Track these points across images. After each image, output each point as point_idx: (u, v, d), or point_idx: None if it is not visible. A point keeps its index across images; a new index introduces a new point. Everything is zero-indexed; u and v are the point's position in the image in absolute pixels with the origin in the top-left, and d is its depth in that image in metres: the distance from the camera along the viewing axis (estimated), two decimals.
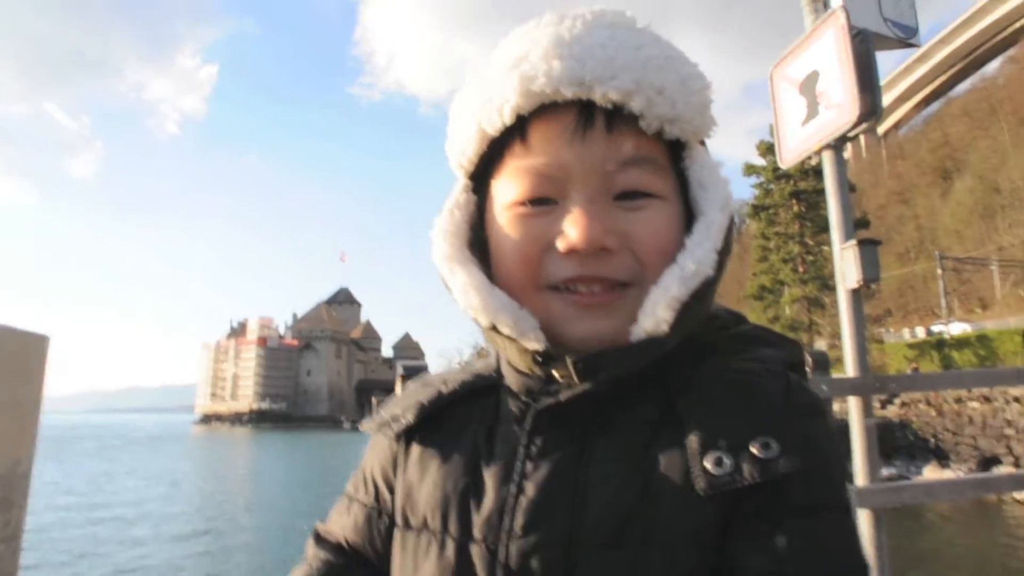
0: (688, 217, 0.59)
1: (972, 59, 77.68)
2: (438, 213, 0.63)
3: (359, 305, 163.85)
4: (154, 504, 20.88)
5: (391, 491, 0.67)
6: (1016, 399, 22.15)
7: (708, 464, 0.49)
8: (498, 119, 0.56)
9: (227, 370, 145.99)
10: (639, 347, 0.54)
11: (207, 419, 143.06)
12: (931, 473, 20.71)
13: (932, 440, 22.79)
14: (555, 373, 0.58)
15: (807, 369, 0.62)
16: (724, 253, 0.56)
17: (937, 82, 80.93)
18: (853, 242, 3.36)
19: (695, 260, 0.54)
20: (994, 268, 45.13)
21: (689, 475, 0.50)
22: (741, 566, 0.48)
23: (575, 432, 0.57)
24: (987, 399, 23.22)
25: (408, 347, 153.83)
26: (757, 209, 38.42)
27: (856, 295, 3.42)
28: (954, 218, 61.14)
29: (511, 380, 0.63)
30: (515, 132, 0.57)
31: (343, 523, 0.70)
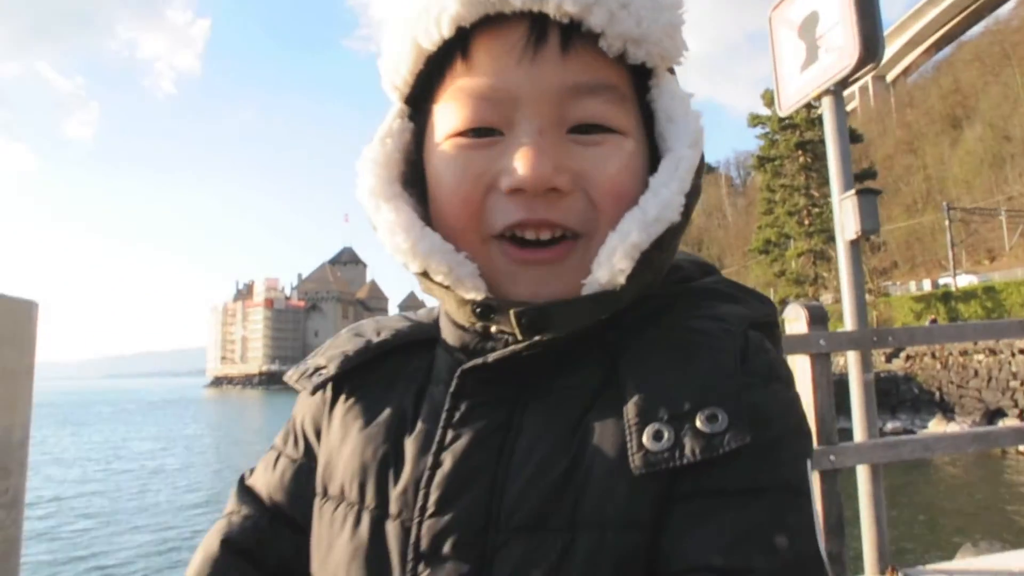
0: (653, 156, 0.53)
1: (984, 1, 75.35)
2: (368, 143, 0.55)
3: (364, 265, 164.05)
4: (169, 469, 21.31)
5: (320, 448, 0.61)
6: (1022, 351, 22.12)
7: (646, 438, 0.44)
8: (436, 31, 0.49)
9: (235, 332, 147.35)
10: (591, 300, 0.49)
11: (218, 382, 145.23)
12: (936, 426, 20.83)
13: (937, 393, 22.88)
14: (494, 329, 0.52)
15: (776, 330, 0.55)
16: (692, 196, 0.50)
17: (949, 25, 78.66)
18: (852, 192, 3.23)
19: (659, 203, 0.48)
20: (1003, 218, 44.57)
21: (625, 449, 0.45)
22: (676, 553, 0.43)
23: (505, 397, 0.51)
24: (992, 352, 23.19)
25: (414, 306, 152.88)
26: (762, 161, 37.98)
27: (855, 246, 3.31)
28: (963, 167, 60.18)
29: (447, 333, 0.57)
30: (456, 48, 0.50)
31: (268, 479, 0.63)
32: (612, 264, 0.47)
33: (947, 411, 22.10)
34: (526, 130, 0.48)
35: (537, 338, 0.49)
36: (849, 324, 3.22)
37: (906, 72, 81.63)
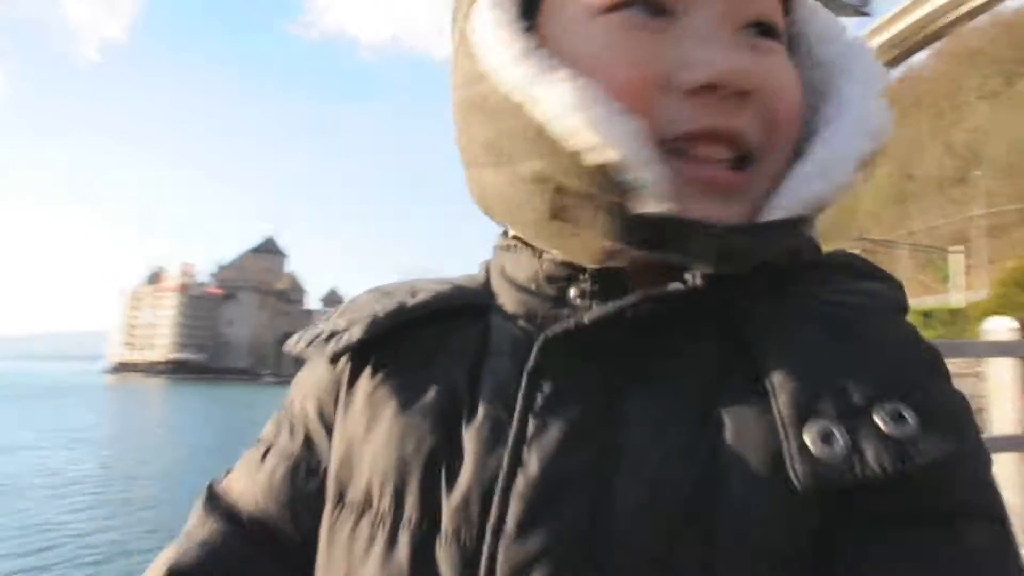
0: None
1: (904, 49, 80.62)
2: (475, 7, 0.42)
3: (285, 256, 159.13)
4: (56, 466, 19.37)
5: (330, 438, 0.47)
6: None
7: (809, 440, 0.33)
8: None
9: (143, 318, 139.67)
10: (782, 226, 0.39)
11: (120, 368, 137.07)
12: None
13: None
14: (572, 292, 0.42)
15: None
16: (878, 138, 0.41)
17: None
18: None
19: (845, 134, 0.40)
20: (904, 251, 47.60)
21: (778, 453, 0.34)
22: None
23: (598, 378, 0.39)
24: None
25: (335, 302, 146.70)
26: None
27: None
28: (873, 201, 64.06)
29: (507, 298, 0.46)
30: None
31: (251, 483, 0.49)
32: (830, 177, 0.39)
33: None
34: (708, 14, 0.38)
35: (650, 293, 0.39)
36: None
37: None
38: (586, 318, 0.39)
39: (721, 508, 0.34)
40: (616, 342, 0.39)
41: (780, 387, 0.35)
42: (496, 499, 0.36)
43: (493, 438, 0.39)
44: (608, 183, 0.36)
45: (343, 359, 0.46)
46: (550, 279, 0.42)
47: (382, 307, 0.46)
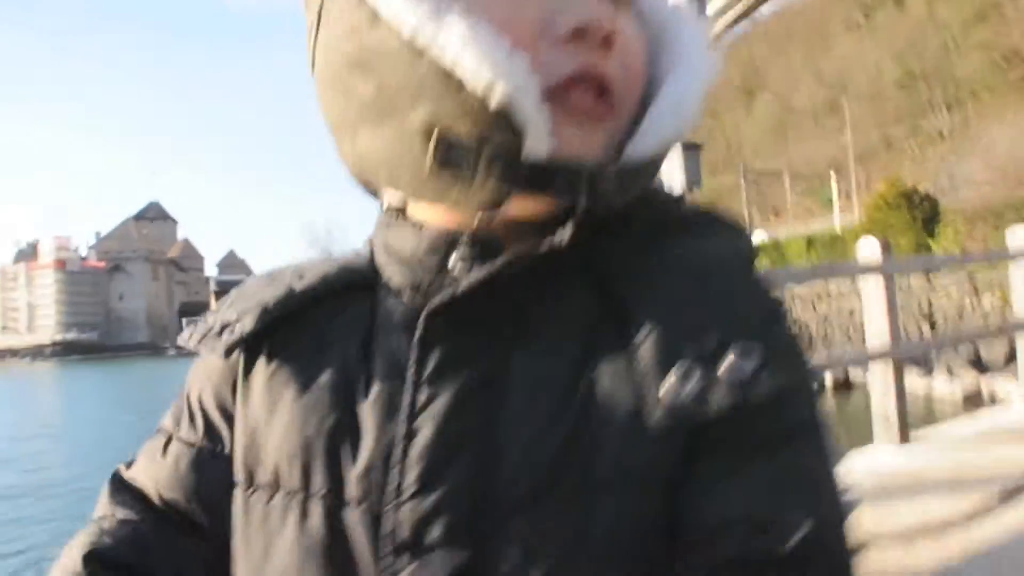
0: None
1: None
2: None
3: (174, 221, 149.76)
4: None
5: (230, 425, 0.49)
6: (799, 297, 25.73)
7: (669, 383, 0.38)
8: None
9: (19, 299, 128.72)
10: (649, 165, 0.43)
11: None
12: None
13: None
14: (451, 261, 0.44)
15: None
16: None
17: (747, 3, 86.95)
18: (677, 146, 3.60)
19: (683, 82, 0.44)
20: (786, 180, 51.02)
21: (642, 398, 0.38)
22: (701, 509, 0.38)
23: (483, 342, 0.42)
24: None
25: (233, 265, 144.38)
26: None
27: None
28: (755, 133, 67.72)
29: (392, 272, 0.47)
30: None
31: (156, 471, 0.51)
32: (662, 127, 0.42)
33: None
34: None
35: (518, 252, 0.41)
36: None
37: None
38: (462, 286, 0.41)
39: (595, 447, 0.39)
40: (496, 306, 0.42)
41: (645, 337, 0.39)
42: (396, 466, 0.40)
43: (389, 410, 0.42)
44: (500, 123, 0.37)
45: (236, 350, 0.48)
46: (432, 249, 0.44)
47: (271, 294, 0.48)
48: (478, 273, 0.41)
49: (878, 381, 4.02)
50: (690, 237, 0.45)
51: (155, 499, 0.51)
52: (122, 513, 0.50)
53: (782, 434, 0.39)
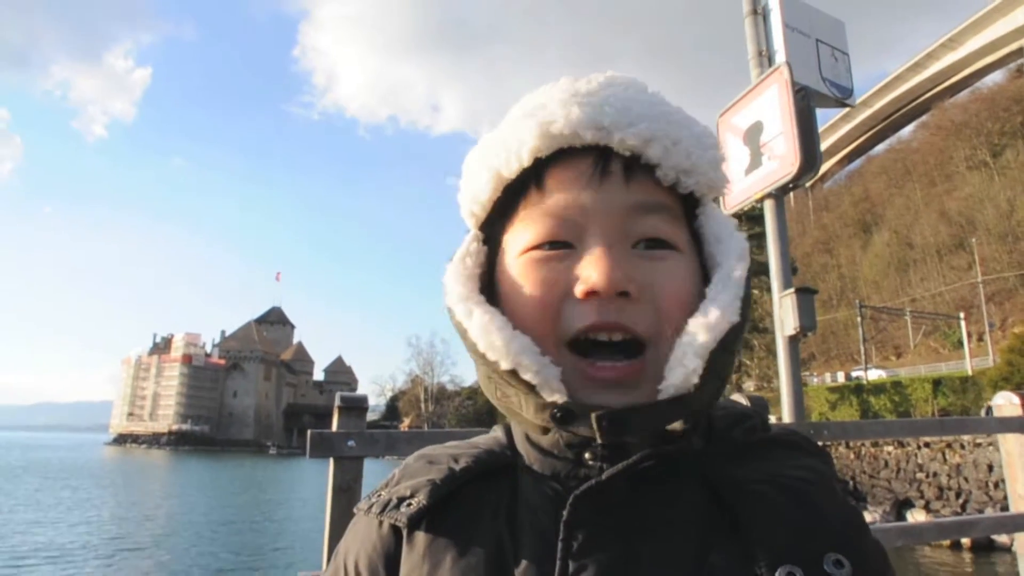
0: (704, 275, 0.57)
1: (889, 122, 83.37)
2: (448, 262, 0.61)
3: (292, 326, 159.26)
4: (59, 538, 19.23)
5: None
6: (927, 444, 23.30)
7: None
8: (515, 161, 0.55)
9: (147, 388, 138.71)
10: (668, 403, 0.51)
11: (122, 439, 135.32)
12: None
13: (851, 482, 23.67)
14: (587, 455, 0.53)
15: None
16: (746, 301, 0.54)
17: (858, 141, 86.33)
18: (791, 291, 3.44)
19: (719, 307, 0.52)
20: (907, 319, 47.84)
21: None
22: None
23: (620, 527, 0.51)
24: (901, 444, 24.32)
25: (340, 371, 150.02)
26: None
27: (793, 342, 3.50)
28: (872, 269, 64.81)
29: (533, 460, 0.57)
30: (531, 177, 0.56)
31: None
32: (685, 365, 0.50)
33: (859, 500, 22.83)
34: (596, 242, 0.52)
35: (643, 455, 0.51)
36: (787, 416, 3.36)
37: (822, 179, 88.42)
38: (604, 476, 0.51)
39: None
40: (629, 497, 0.51)
41: (757, 540, 0.48)
42: None
43: None
44: (517, 381, 0.52)
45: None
46: (569, 445, 0.54)
47: (436, 474, 0.59)
48: (614, 468, 0.50)
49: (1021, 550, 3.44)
50: (785, 457, 0.55)
51: None
52: None
53: None
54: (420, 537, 0.56)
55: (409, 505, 0.57)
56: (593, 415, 0.49)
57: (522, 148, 0.54)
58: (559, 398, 0.51)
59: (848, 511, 0.52)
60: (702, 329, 0.51)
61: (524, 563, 0.51)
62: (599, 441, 0.51)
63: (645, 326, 0.52)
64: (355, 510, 0.63)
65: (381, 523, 0.59)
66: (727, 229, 0.57)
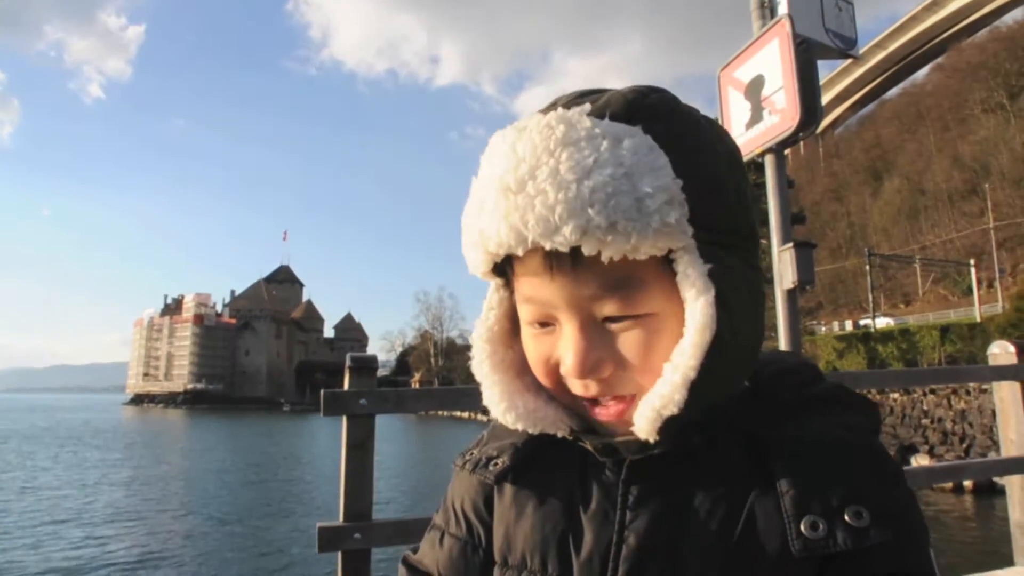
0: None
1: (904, 64, 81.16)
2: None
3: (300, 284, 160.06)
4: (82, 498, 19.80)
5: (484, 527, 0.70)
6: (932, 391, 23.51)
7: (803, 527, 0.53)
8: (485, 255, 0.59)
9: (161, 348, 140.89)
10: (657, 432, 0.55)
11: (138, 400, 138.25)
12: None
13: None
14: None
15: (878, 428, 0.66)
16: (717, 342, 0.54)
17: (871, 85, 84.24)
18: (790, 245, 3.49)
19: (678, 367, 0.54)
20: (917, 266, 47.55)
21: (785, 536, 0.53)
22: None
23: (666, 483, 0.60)
24: (907, 391, 24.54)
25: (350, 328, 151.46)
26: None
27: (792, 295, 3.56)
28: (883, 217, 64.00)
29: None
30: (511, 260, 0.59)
31: (435, 556, 0.73)
32: (660, 414, 0.54)
33: None
34: (568, 325, 0.58)
35: (659, 451, 0.58)
36: None
37: (833, 125, 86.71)
38: (656, 449, 0.58)
39: (752, 566, 0.55)
40: (676, 455, 0.59)
41: (787, 494, 0.55)
42: (611, 563, 0.59)
43: (605, 523, 0.61)
44: (532, 432, 0.65)
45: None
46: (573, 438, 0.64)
47: (518, 438, 0.69)
48: (663, 446, 0.57)
49: (1016, 496, 3.56)
50: (824, 413, 0.61)
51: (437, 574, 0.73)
52: None
53: (894, 574, 0.53)
54: (507, 488, 0.68)
55: (496, 464, 0.69)
56: (591, 445, 0.61)
57: (488, 243, 0.57)
58: (565, 434, 0.63)
59: (879, 463, 0.57)
60: (668, 388, 0.54)
61: (591, 510, 0.62)
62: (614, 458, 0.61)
63: (629, 388, 0.58)
64: (453, 464, 0.75)
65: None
66: (692, 292, 0.55)
